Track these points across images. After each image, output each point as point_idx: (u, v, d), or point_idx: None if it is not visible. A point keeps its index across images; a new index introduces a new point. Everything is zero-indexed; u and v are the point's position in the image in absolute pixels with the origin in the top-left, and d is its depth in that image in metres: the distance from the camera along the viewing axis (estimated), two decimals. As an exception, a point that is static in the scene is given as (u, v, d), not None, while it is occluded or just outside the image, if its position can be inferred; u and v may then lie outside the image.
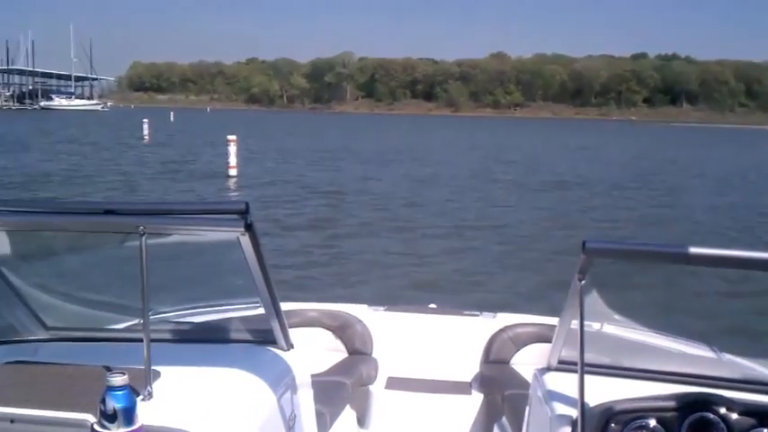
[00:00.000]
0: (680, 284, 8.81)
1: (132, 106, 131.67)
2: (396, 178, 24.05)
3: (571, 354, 2.45)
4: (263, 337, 2.64)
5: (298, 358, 2.68)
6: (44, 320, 2.62)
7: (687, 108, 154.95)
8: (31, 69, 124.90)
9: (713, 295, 8.82)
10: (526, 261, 11.57)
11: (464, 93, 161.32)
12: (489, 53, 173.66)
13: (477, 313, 4.25)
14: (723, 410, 2.15)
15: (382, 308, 4.30)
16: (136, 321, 2.64)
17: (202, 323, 3.06)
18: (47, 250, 2.71)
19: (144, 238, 2.09)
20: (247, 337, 2.74)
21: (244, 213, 2.08)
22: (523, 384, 3.20)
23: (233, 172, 22.33)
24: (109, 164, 26.76)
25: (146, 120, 43.53)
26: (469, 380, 3.92)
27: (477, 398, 3.80)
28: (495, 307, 4.51)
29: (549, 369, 2.67)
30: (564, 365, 2.58)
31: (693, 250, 1.98)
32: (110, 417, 1.83)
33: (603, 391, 2.30)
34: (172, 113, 70.52)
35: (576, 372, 2.22)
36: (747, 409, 2.16)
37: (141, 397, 2.07)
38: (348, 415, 3.57)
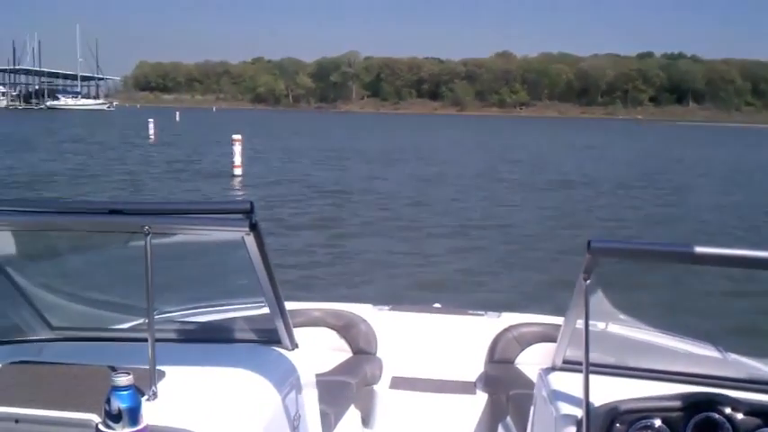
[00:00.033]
0: (685, 284, 8.79)
1: (138, 106, 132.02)
2: (401, 177, 24.05)
3: (576, 353, 2.44)
4: (268, 336, 2.64)
5: (302, 358, 2.68)
6: (49, 320, 2.62)
7: (693, 107, 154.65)
8: (37, 69, 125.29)
9: (718, 295, 8.79)
10: (531, 260, 11.56)
11: (470, 92, 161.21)
12: (495, 52, 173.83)
13: (482, 313, 4.24)
14: (728, 410, 2.15)
15: (387, 307, 4.30)
16: (140, 321, 2.64)
17: (207, 323, 3.06)
18: (52, 250, 2.72)
19: (149, 237, 2.09)
20: (252, 336, 2.74)
21: (248, 213, 2.08)
22: (528, 384, 3.20)
23: (238, 171, 22.36)
24: (114, 163, 26.82)
25: (151, 119, 43.64)
26: (474, 379, 3.92)
27: (481, 397, 3.79)
28: (499, 306, 4.50)
29: (553, 369, 2.66)
30: (569, 365, 2.58)
31: (699, 250, 1.98)
32: (114, 417, 1.84)
33: (608, 390, 2.30)
34: (177, 113, 70.65)
35: (580, 371, 2.21)
36: (753, 409, 2.15)
37: (146, 397, 2.07)
38: (353, 415, 3.57)
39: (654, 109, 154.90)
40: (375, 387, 3.86)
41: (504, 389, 3.56)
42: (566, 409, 2.35)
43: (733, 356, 3.00)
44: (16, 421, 1.98)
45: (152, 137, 41.74)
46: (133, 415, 1.85)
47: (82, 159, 28.31)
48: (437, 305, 4.53)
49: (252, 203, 2.08)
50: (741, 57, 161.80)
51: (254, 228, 2.09)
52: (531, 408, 2.83)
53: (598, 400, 2.22)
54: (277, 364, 2.57)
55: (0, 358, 2.35)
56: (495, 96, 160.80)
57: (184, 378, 2.28)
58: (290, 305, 2.59)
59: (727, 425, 2.12)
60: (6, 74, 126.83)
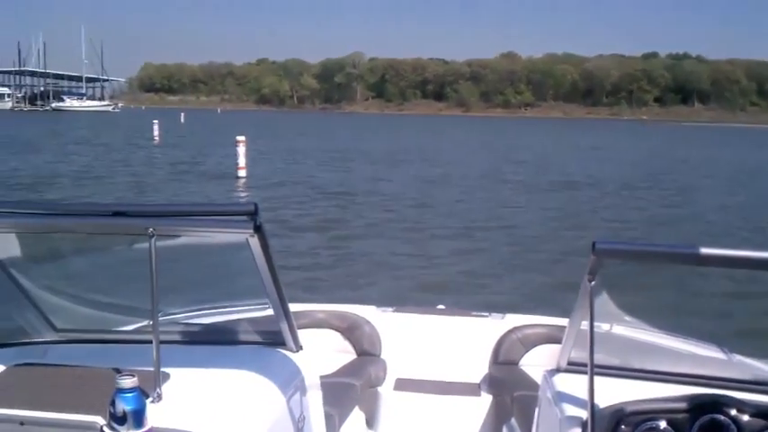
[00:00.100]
0: (690, 285, 8.77)
1: (143, 107, 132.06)
2: (405, 179, 24.04)
3: (581, 355, 2.44)
4: (272, 338, 2.64)
5: (307, 360, 2.68)
6: (53, 322, 2.63)
7: (698, 107, 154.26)
8: (42, 71, 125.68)
9: (723, 296, 8.77)
10: (535, 262, 11.54)
11: (474, 93, 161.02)
12: (500, 53, 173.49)
13: (486, 314, 4.24)
14: (734, 412, 2.14)
15: (391, 309, 4.29)
16: (145, 323, 2.65)
17: (211, 325, 3.06)
18: (56, 252, 2.72)
19: (153, 239, 2.09)
20: (256, 338, 2.74)
21: (253, 215, 2.08)
22: (533, 386, 3.20)
23: (242, 173, 22.35)
24: (119, 165, 26.87)
25: (156, 121, 43.66)
26: (478, 381, 3.91)
27: (486, 399, 3.79)
28: (503, 308, 4.49)
29: (558, 370, 2.66)
30: (573, 367, 2.57)
31: (704, 251, 1.97)
32: (119, 419, 1.84)
33: (613, 392, 2.29)
34: (182, 114, 70.69)
35: (585, 373, 2.21)
36: (758, 411, 2.15)
37: (151, 399, 2.07)
38: (357, 416, 3.56)
39: (659, 109, 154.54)
40: (379, 389, 3.86)
41: (508, 390, 3.56)
42: (570, 410, 2.34)
43: (738, 358, 2.99)
44: (21, 423, 1.99)
45: (156, 138, 41.78)
46: (138, 417, 1.85)
47: (86, 161, 28.37)
48: (441, 306, 4.53)
49: (256, 205, 2.08)
50: (746, 57, 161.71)
51: (258, 229, 2.09)
52: (536, 409, 2.83)
53: (603, 401, 2.21)
54: (281, 366, 2.57)
55: (5, 360, 2.36)
56: (500, 97, 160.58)
57: (189, 380, 2.28)
58: (294, 307, 2.59)
59: (733, 426, 2.12)
60: (11, 75, 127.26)
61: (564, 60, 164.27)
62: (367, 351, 3.98)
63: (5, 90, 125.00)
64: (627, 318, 2.76)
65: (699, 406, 2.16)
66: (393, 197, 19.27)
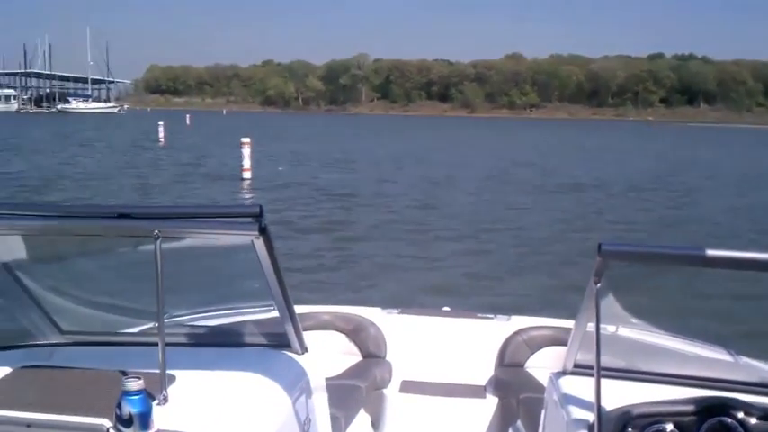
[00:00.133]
0: (696, 287, 8.73)
1: (149, 109, 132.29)
2: (410, 180, 24.04)
3: (587, 357, 2.43)
4: (278, 340, 2.64)
5: (312, 362, 2.68)
6: (59, 324, 2.63)
7: (704, 108, 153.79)
8: (48, 72, 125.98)
9: (730, 298, 8.73)
10: (541, 264, 11.53)
11: (479, 94, 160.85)
12: (505, 54, 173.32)
13: (492, 316, 4.24)
14: (741, 415, 2.13)
15: (396, 310, 4.29)
16: (151, 325, 2.65)
17: (217, 327, 3.06)
18: (62, 254, 2.73)
19: (159, 242, 2.09)
20: (262, 340, 2.74)
21: (258, 217, 2.08)
22: (539, 388, 3.19)
23: (247, 175, 22.36)
24: (124, 167, 26.91)
25: (161, 122, 43.72)
26: (484, 383, 3.91)
27: (491, 401, 3.78)
28: (509, 309, 4.50)
29: (564, 372, 2.65)
30: (580, 369, 2.57)
31: (711, 252, 1.97)
32: (125, 421, 1.85)
33: (620, 394, 2.29)
34: (188, 116, 70.82)
35: (592, 375, 2.20)
36: (766, 414, 2.14)
37: (157, 401, 2.07)
38: (362, 418, 3.56)
39: (665, 110, 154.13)
40: (385, 390, 3.86)
41: (514, 392, 3.55)
42: (577, 413, 2.34)
43: (745, 360, 2.98)
44: (28, 426, 1.99)
45: (162, 140, 41.83)
46: (144, 419, 1.86)
47: (91, 163, 28.45)
48: (446, 308, 4.53)
49: (261, 207, 2.08)
50: (752, 58, 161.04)
51: (263, 231, 2.09)
52: (542, 412, 2.82)
53: (610, 404, 2.21)
54: (287, 368, 2.57)
55: (11, 363, 2.36)
56: (505, 98, 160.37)
57: (194, 382, 2.28)
58: (298, 308, 2.59)
59: (740, 429, 2.11)
60: (17, 77, 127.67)
61: (569, 61, 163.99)
62: (372, 353, 3.98)
63: (11, 92, 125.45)
64: (633, 320, 2.75)
65: (706, 408, 2.15)
66: (398, 199, 19.27)
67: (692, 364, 2.84)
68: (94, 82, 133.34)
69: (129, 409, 1.84)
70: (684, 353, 3.09)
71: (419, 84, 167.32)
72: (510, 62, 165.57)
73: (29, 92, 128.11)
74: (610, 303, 2.36)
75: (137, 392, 1.85)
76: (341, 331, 4.03)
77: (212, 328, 3.05)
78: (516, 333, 3.96)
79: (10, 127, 58.55)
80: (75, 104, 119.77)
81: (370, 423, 3.66)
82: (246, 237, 2.13)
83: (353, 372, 3.78)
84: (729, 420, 2.12)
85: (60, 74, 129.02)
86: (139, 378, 1.87)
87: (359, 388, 3.55)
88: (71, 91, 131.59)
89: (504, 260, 11.90)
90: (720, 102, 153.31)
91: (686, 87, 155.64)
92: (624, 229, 15.21)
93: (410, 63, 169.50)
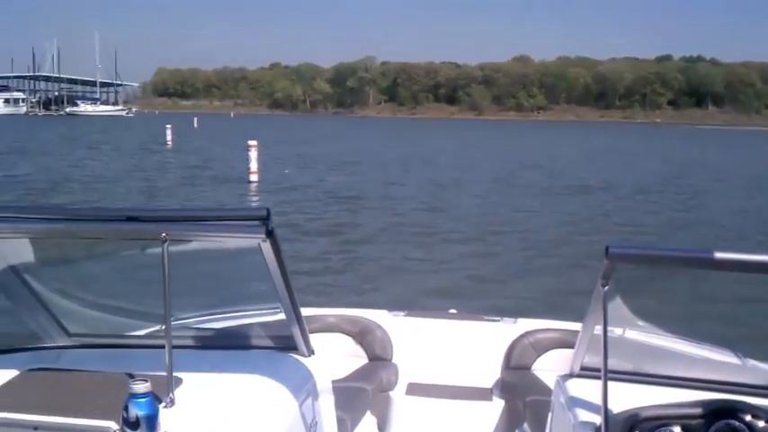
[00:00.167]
0: (704, 290, 8.71)
1: (157, 112, 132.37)
2: (417, 182, 24.04)
3: (594, 360, 2.43)
4: (285, 343, 2.64)
5: (319, 364, 2.68)
6: (66, 327, 2.64)
7: (713, 110, 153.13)
8: (56, 76, 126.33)
9: (738, 301, 8.70)
10: (548, 266, 11.51)
11: (487, 96, 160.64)
12: (512, 56, 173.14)
13: (498, 318, 4.23)
14: (749, 418, 2.12)
15: (402, 313, 4.29)
16: (158, 328, 2.66)
17: (223, 329, 3.07)
18: (69, 257, 2.74)
19: (166, 245, 2.10)
20: (268, 343, 2.74)
21: (265, 220, 2.08)
22: (545, 391, 3.18)
23: (254, 177, 22.37)
24: (132, 169, 26.98)
25: (168, 125, 43.81)
26: (490, 386, 3.90)
27: (498, 404, 3.78)
28: (515, 312, 4.49)
29: (571, 375, 2.65)
30: (587, 372, 2.56)
31: (718, 255, 1.96)
32: (132, 424, 1.85)
33: (627, 397, 2.28)
34: (195, 119, 70.95)
35: (599, 378, 2.20)
36: (773, 417, 2.13)
37: (163, 404, 2.08)
38: (369, 421, 3.56)
39: (672, 112, 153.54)
40: (391, 393, 3.86)
41: (520, 395, 3.54)
42: (584, 416, 2.33)
43: (752, 363, 2.97)
44: (35, 429, 2.00)
45: (169, 143, 41.94)
46: (151, 422, 1.86)
47: (99, 165, 28.53)
48: (453, 311, 4.52)
49: (268, 210, 2.08)
50: (761, 60, 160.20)
51: (270, 234, 2.09)
52: (549, 415, 2.82)
53: (617, 407, 2.20)
54: (293, 371, 2.57)
55: (18, 365, 2.37)
56: (513, 100, 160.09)
57: (201, 385, 2.29)
58: (305, 311, 2.59)
59: (748, 432, 2.10)
60: (26, 80, 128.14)
61: (577, 63, 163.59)
62: (378, 355, 3.98)
63: (20, 95, 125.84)
64: (640, 322, 2.75)
65: (713, 411, 2.15)
66: (404, 201, 19.27)
67: (700, 366, 2.83)
68: (103, 85, 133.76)
69: (136, 411, 1.85)
70: (692, 356, 3.08)
71: (426, 86, 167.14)
72: (517, 64, 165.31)
73: (37, 95, 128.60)
74: (617, 306, 2.35)
75: (144, 395, 1.86)
76: (347, 334, 4.03)
77: (219, 330, 3.05)
78: (523, 336, 3.95)
79: (19, 130, 58.79)
80: (84, 107, 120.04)
81: (376, 426, 3.65)
82: (253, 240, 2.13)
83: (360, 374, 3.78)
84: (737, 423, 2.11)
85: (69, 77, 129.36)
86: (146, 381, 1.87)
87: (365, 391, 3.55)
88: (79, 94, 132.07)
89: (510, 263, 11.88)
90: (729, 104, 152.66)
91: (694, 89, 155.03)
92: (632, 232, 15.16)
93: (417, 65, 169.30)
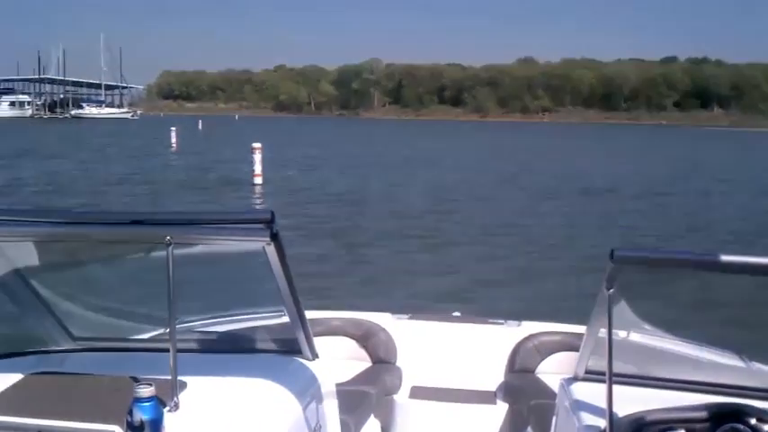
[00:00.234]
0: (709, 293, 8.68)
1: (162, 114, 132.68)
2: (422, 185, 24.02)
3: (599, 363, 2.42)
4: (289, 346, 2.64)
5: (322, 368, 2.68)
6: (71, 330, 2.64)
7: (718, 112, 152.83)
8: (61, 78, 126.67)
9: (743, 304, 8.66)
10: (552, 269, 11.48)
11: (492, 98, 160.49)
12: (517, 58, 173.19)
13: (502, 321, 4.22)
14: (754, 421, 2.11)
15: (406, 316, 4.29)
16: (162, 331, 2.66)
17: (228, 333, 3.07)
18: (73, 260, 2.74)
19: (171, 248, 2.10)
20: (273, 346, 2.74)
21: (269, 223, 2.08)
22: (550, 394, 3.18)
23: (258, 180, 22.37)
24: (136, 172, 27.02)
25: (173, 128, 43.86)
26: (494, 389, 3.89)
27: (502, 407, 3.77)
28: (519, 315, 4.47)
29: (575, 378, 2.64)
30: (591, 375, 2.56)
31: (724, 258, 1.96)
32: (137, 428, 1.85)
33: (632, 401, 2.27)
34: (200, 121, 71.03)
35: (603, 381, 2.19)
36: (779, 420, 2.12)
37: (168, 408, 2.08)
38: (372, 424, 3.56)
39: (678, 114, 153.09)
40: (395, 396, 3.85)
41: (524, 399, 3.54)
42: (588, 419, 2.33)
43: (758, 366, 2.96)
44: None
45: (174, 145, 41.98)
46: (155, 426, 1.86)
47: (104, 168, 28.56)
48: (456, 314, 4.51)
49: (272, 213, 2.08)
50: (767, 61, 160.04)
51: (274, 238, 2.09)
52: (553, 418, 2.81)
53: (621, 410, 2.20)
54: (298, 375, 2.57)
55: (22, 369, 2.37)
56: (518, 102, 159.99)
57: (206, 389, 2.29)
58: (309, 314, 2.59)
59: (753, 436, 2.09)
60: (32, 83, 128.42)
61: (582, 65, 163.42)
62: (382, 359, 3.98)
63: (26, 98, 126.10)
64: (645, 325, 2.74)
65: (718, 415, 2.14)
66: (409, 204, 19.24)
67: (705, 369, 2.82)
68: (108, 87, 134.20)
69: (141, 415, 1.85)
70: (697, 359, 3.08)
71: (431, 88, 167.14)
72: (522, 66, 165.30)
73: (43, 98, 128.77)
74: (622, 309, 2.35)
75: (148, 399, 1.86)
76: (351, 337, 4.03)
77: (223, 334, 3.05)
78: (527, 339, 3.94)
79: (24, 132, 58.92)
80: (89, 110, 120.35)
81: (380, 429, 3.65)
82: (258, 243, 2.13)
83: (363, 378, 3.78)
84: (742, 427, 2.10)
85: (74, 80, 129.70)
86: (151, 385, 1.87)
87: (369, 394, 3.55)
88: (84, 97, 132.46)
89: (515, 265, 11.86)
90: (735, 105, 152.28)
91: (700, 91, 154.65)
92: (637, 234, 15.13)
93: (422, 67, 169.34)
